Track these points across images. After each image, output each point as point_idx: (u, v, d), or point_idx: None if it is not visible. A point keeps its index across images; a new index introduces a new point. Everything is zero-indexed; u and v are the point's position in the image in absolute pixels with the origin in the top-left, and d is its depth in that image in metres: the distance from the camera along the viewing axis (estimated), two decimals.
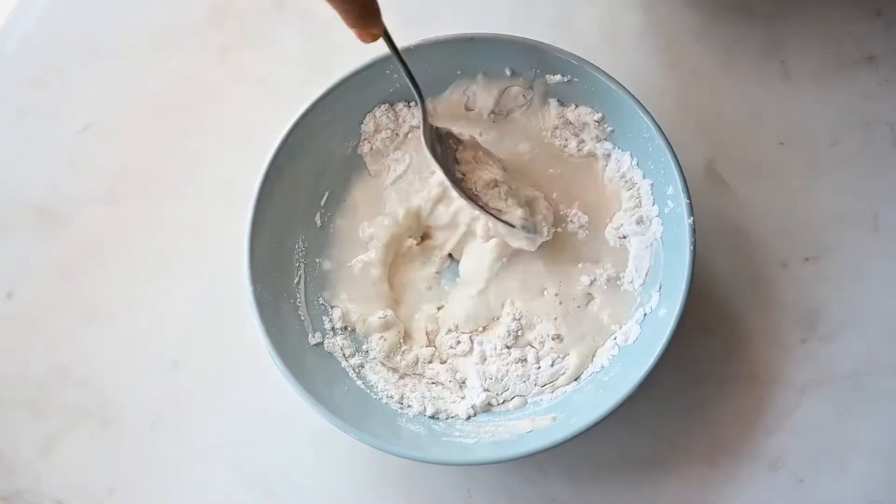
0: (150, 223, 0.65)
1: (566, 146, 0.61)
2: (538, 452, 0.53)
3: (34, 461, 0.62)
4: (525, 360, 0.59)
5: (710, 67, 0.64)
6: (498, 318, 0.60)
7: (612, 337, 0.58)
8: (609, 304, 0.59)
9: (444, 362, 0.60)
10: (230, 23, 0.67)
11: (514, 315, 0.60)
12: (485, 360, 0.59)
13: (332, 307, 0.61)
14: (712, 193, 0.63)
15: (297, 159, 0.58)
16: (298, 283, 0.60)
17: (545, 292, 0.60)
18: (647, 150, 0.57)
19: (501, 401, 0.59)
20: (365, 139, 0.61)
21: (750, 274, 0.62)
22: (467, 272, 0.61)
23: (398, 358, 0.60)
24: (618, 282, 0.59)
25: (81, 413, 0.63)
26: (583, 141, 0.60)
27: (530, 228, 0.58)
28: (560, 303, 0.59)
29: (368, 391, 0.59)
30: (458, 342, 0.60)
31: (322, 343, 0.59)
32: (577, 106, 0.59)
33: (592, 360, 0.58)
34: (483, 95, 0.60)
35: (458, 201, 0.60)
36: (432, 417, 0.58)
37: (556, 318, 0.59)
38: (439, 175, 0.58)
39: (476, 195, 0.58)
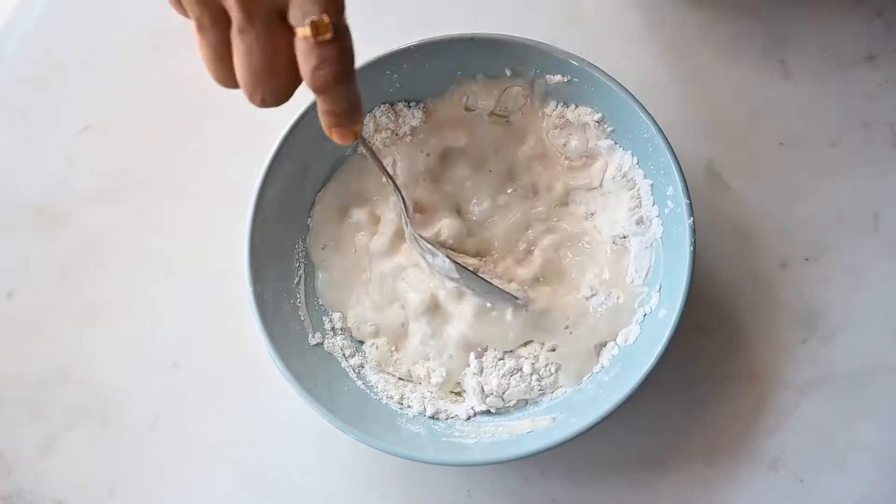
0: (150, 223, 0.65)
1: (566, 146, 0.61)
2: (538, 452, 0.53)
3: (34, 461, 0.62)
4: (521, 369, 0.59)
5: (710, 67, 0.64)
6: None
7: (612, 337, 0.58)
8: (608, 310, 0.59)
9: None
10: None
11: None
12: (482, 371, 0.59)
13: (331, 309, 0.61)
14: (712, 193, 0.63)
15: (297, 159, 0.58)
16: (298, 283, 0.60)
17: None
18: (647, 151, 0.57)
19: (502, 405, 0.59)
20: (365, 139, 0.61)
21: (750, 274, 0.62)
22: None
23: (391, 368, 0.60)
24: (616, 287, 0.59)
25: (81, 413, 0.63)
26: (583, 141, 0.60)
27: (523, 298, 0.59)
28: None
29: (368, 391, 0.59)
30: (451, 356, 0.60)
31: (322, 343, 0.59)
32: (577, 106, 0.59)
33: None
34: (483, 95, 0.60)
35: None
36: (432, 418, 0.58)
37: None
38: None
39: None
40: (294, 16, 0.40)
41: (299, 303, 0.60)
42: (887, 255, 0.62)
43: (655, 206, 0.57)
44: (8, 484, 0.62)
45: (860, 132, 0.63)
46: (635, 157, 0.58)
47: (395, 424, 0.57)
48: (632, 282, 0.58)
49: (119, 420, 0.63)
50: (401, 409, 0.58)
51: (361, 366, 0.60)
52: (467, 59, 0.58)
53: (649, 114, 0.55)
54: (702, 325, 0.61)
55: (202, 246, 0.65)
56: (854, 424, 0.60)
